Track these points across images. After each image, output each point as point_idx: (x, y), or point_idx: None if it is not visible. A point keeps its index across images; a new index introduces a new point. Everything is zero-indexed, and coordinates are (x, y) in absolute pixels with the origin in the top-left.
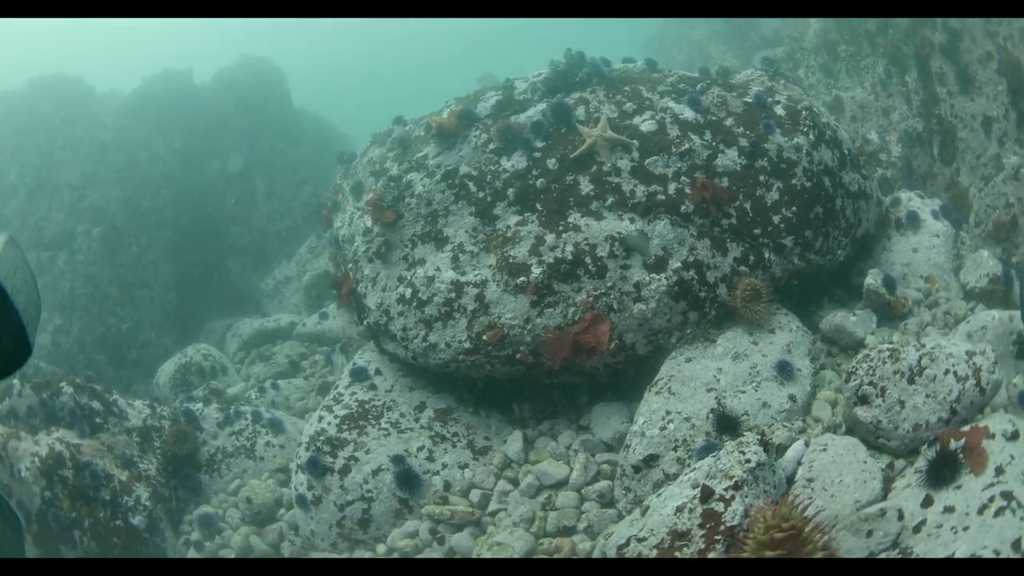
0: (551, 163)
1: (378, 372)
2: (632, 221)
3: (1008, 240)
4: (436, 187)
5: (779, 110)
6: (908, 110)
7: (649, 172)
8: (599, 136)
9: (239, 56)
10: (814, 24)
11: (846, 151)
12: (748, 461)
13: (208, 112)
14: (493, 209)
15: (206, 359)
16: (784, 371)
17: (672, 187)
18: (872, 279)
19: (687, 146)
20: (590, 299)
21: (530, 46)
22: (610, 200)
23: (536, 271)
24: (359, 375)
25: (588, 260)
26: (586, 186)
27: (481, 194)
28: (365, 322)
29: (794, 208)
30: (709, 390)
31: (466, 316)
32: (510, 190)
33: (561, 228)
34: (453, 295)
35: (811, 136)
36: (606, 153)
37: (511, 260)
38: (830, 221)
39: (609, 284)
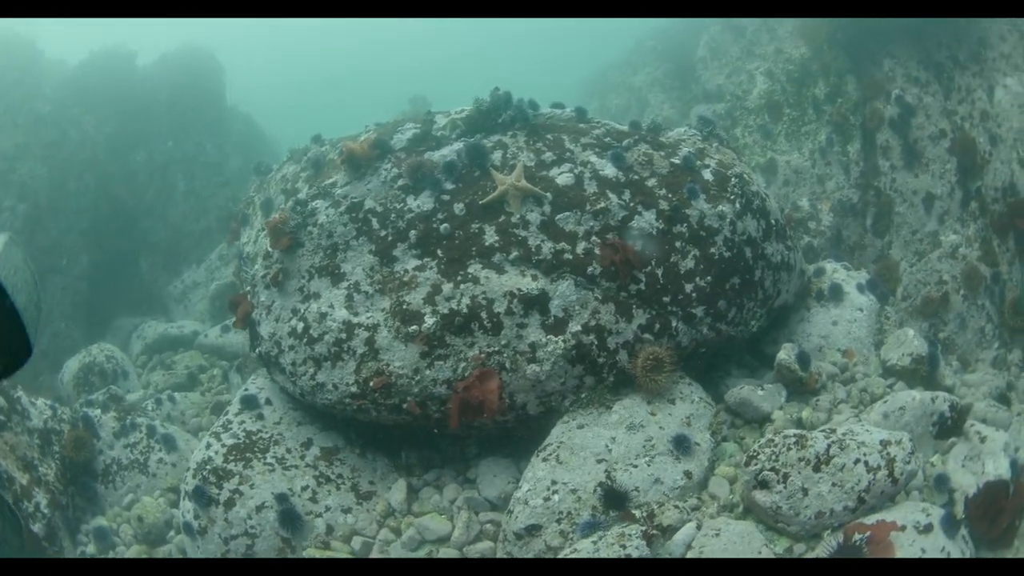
0: (458, 208)
1: (268, 402)
2: (535, 278)
3: (936, 316)
4: (339, 219)
5: (707, 174)
6: (845, 180)
7: (559, 228)
8: (511, 185)
9: (182, 44)
10: (760, 84)
11: (773, 221)
12: (628, 556)
13: (142, 98)
14: (393, 250)
15: (108, 360)
16: (681, 445)
17: (581, 246)
18: (785, 354)
19: (603, 204)
20: (482, 355)
21: (471, 73)
22: (514, 254)
23: (429, 321)
24: (249, 403)
25: (484, 315)
26: (491, 236)
27: (383, 232)
28: (257, 350)
29: (709, 277)
30: (599, 461)
31: (355, 359)
32: (412, 232)
33: (460, 278)
34: (344, 335)
35: (737, 205)
36: (516, 203)
37: (405, 306)
38: (746, 292)
39: (503, 342)
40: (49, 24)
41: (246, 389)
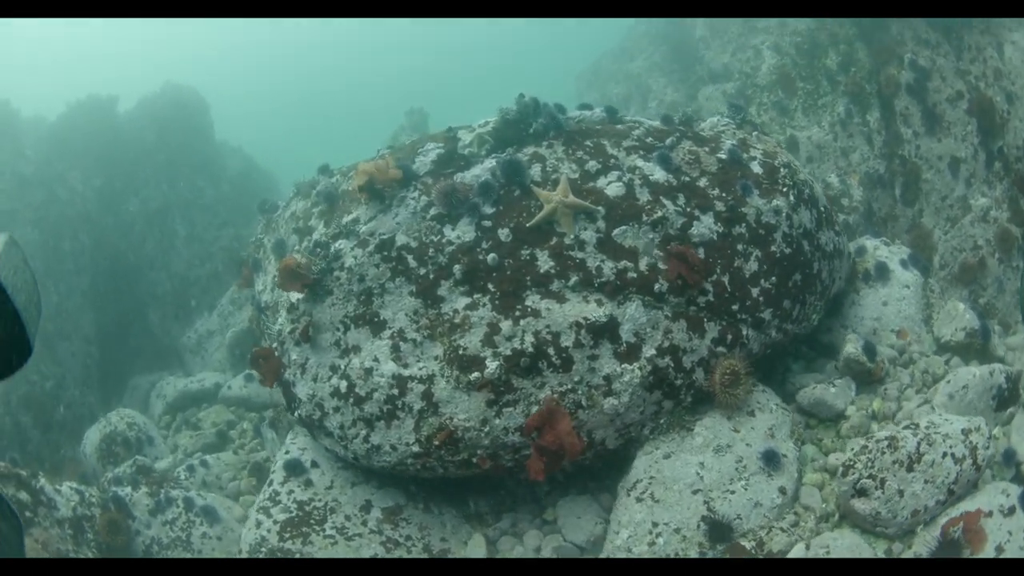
0: (503, 234)
1: (314, 464)
2: (600, 303)
3: (975, 282)
4: (369, 260)
5: (756, 167)
6: (869, 151)
7: (617, 245)
8: (560, 202)
9: (163, 83)
10: (768, 59)
11: (822, 208)
12: None
13: (129, 144)
14: (437, 288)
15: (131, 428)
16: (771, 461)
17: (644, 262)
18: (852, 347)
19: (660, 213)
20: (555, 396)
21: (463, 82)
22: (574, 279)
23: (491, 365)
24: (294, 469)
25: (551, 351)
26: (546, 262)
27: (422, 270)
28: (296, 413)
29: (773, 278)
30: (695, 492)
31: (412, 416)
32: (456, 266)
33: (518, 313)
34: (396, 391)
35: (791, 197)
36: (568, 222)
37: (461, 351)
38: (808, 287)
39: (576, 378)
40: (22, 79)
41: (287, 452)
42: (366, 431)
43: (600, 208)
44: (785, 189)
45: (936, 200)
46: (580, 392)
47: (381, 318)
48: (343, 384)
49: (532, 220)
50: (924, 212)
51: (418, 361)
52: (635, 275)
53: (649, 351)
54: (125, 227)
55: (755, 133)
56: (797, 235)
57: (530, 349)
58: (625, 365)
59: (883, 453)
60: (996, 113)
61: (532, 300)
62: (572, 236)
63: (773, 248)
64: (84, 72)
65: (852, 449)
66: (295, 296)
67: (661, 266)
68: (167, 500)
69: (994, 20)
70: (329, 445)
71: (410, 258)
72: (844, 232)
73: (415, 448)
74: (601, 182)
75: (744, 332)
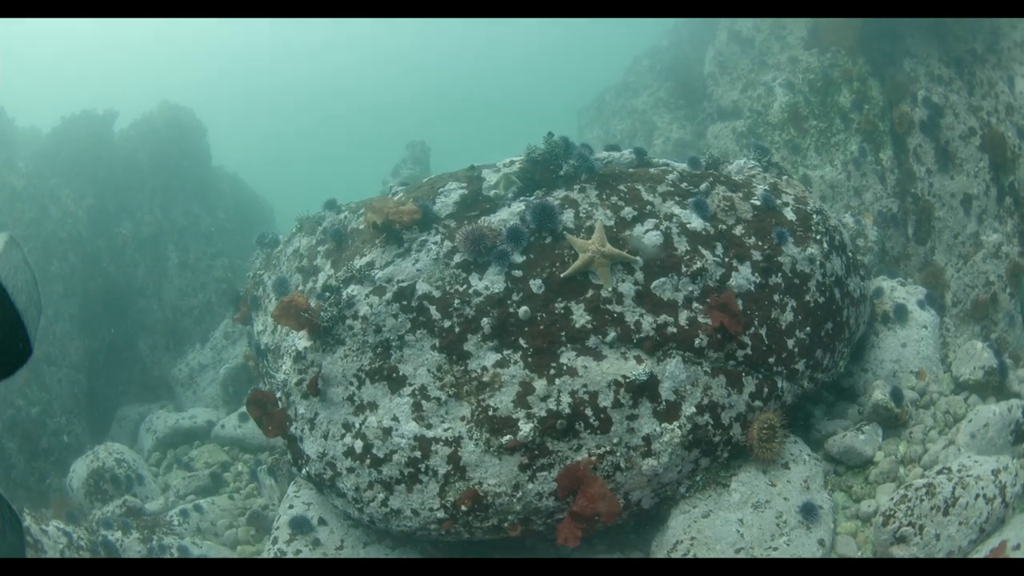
0: (535, 285)
1: (322, 522)
2: (639, 360)
3: (987, 318)
4: (387, 309)
5: (789, 214)
6: (882, 189)
7: (657, 298)
8: (596, 252)
9: (160, 103)
10: (780, 97)
11: (850, 254)
12: None
13: (123, 164)
14: (464, 343)
15: (120, 465)
16: (809, 514)
17: (684, 316)
18: (880, 394)
19: (699, 264)
20: (593, 459)
21: (463, 115)
22: (612, 334)
23: (525, 428)
24: (300, 527)
25: (589, 412)
26: (581, 316)
27: (447, 323)
28: (304, 471)
29: (808, 328)
30: (738, 550)
31: (437, 480)
32: (485, 320)
33: (553, 371)
34: (418, 453)
35: (824, 244)
36: (605, 273)
37: (492, 412)
38: (837, 335)
39: (615, 440)
40: (15, 86)
41: (291, 506)
42: (384, 495)
43: (638, 259)
44: (819, 237)
45: (948, 237)
46: (619, 454)
47: (400, 373)
48: (358, 444)
49: (566, 270)
50: (936, 250)
51: (443, 422)
52: (675, 330)
53: (689, 409)
54: (116, 251)
55: (784, 178)
56: (829, 283)
57: (567, 410)
58: (665, 424)
59: (921, 500)
60: (1007, 148)
61: (567, 357)
62: (610, 289)
63: (807, 298)
64: (81, 85)
65: (891, 498)
66: (302, 343)
67: (701, 320)
68: (160, 548)
69: (1005, 53)
70: (341, 506)
71: (432, 309)
72: (867, 277)
73: (440, 514)
74: (638, 230)
75: (779, 384)
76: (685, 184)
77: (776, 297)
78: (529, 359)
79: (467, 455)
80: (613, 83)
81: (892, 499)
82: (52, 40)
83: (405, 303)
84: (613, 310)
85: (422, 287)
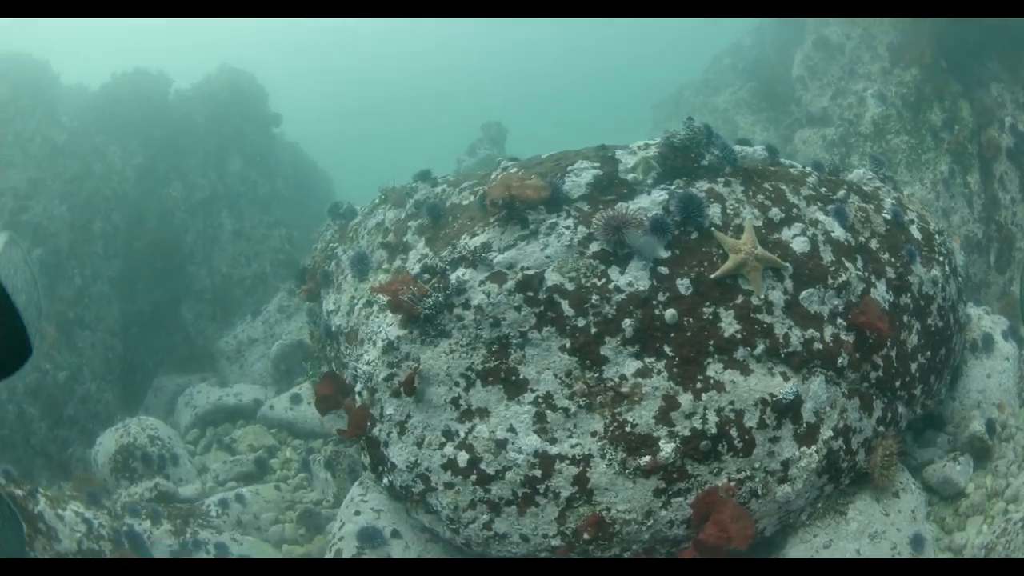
0: (683, 285)
1: (396, 535)
2: (785, 377)
3: None
4: (508, 300)
5: (915, 231)
6: (969, 213)
7: (804, 310)
8: (750, 254)
9: (219, 66)
10: (873, 108)
11: (961, 278)
12: None
13: (177, 125)
14: (600, 346)
15: (153, 443)
16: (918, 545)
17: (829, 332)
18: (978, 425)
19: (844, 277)
20: (733, 484)
21: (535, 102)
22: (760, 347)
23: (666, 448)
24: (370, 540)
25: (734, 432)
26: (730, 324)
27: (581, 321)
28: (386, 480)
29: (928, 352)
30: None
31: (557, 504)
32: (627, 321)
33: (699, 385)
34: (538, 472)
35: (946, 267)
36: (756, 278)
37: (629, 428)
38: (947, 362)
39: (756, 464)
40: (65, 46)
41: (356, 512)
42: (489, 516)
43: (788, 265)
44: (941, 259)
45: None
46: (757, 480)
47: (521, 376)
48: (462, 456)
49: (716, 271)
50: (1014, 280)
51: (570, 436)
52: (820, 346)
53: (826, 432)
54: (166, 213)
55: (907, 193)
56: (947, 307)
57: (712, 430)
58: (804, 448)
59: (1018, 534)
60: None
61: (714, 370)
62: (761, 296)
63: (930, 321)
64: (131, 47)
65: (993, 531)
66: (394, 331)
67: (844, 337)
68: (194, 544)
69: None
70: (428, 523)
71: (564, 303)
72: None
73: (555, 541)
74: (786, 234)
75: (899, 409)
76: (824, 189)
77: (905, 318)
78: (674, 369)
79: (597, 476)
80: (692, 79)
81: (993, 531)
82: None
83: (531, 294)
84: (763, 320)
85: (552, 277)
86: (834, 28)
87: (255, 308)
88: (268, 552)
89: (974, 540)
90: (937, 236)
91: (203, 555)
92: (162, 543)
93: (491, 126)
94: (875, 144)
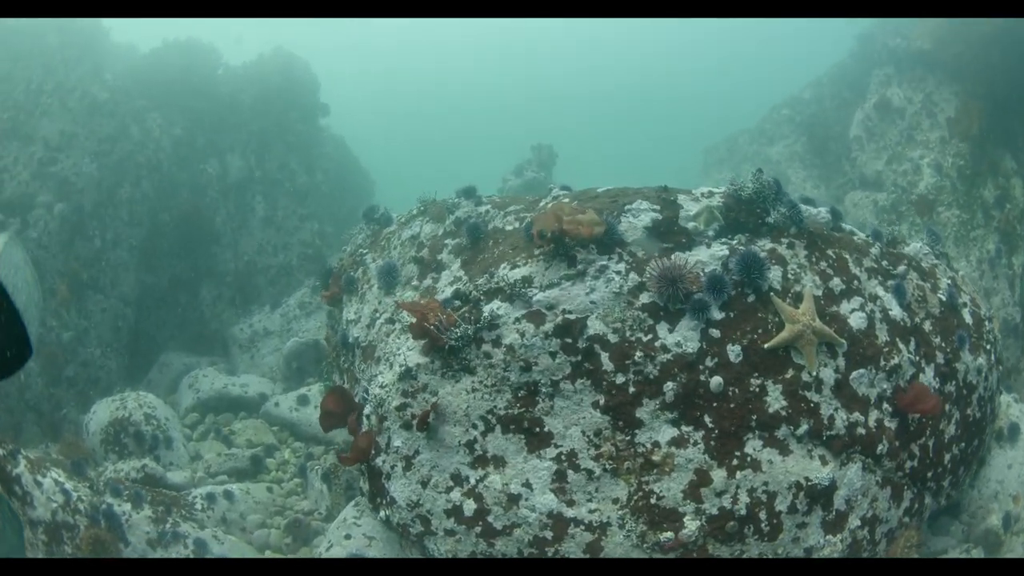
0: (733, 352)
1: None
2: (824, 462)
3: None
4: (543, 344)
5: (967, 316)
6: (1010, 296)
7: (852, 392)
8: (808, 326)
9: (273, 49)
10: (928, 178)
11: (1002, 367)
12: None
13: (222, 101)
14: (636, 408)
15: (148, 421)
16: None
17: (873, 417)
18: (996, 520)
19: (896, 360)
20: None
21: (583, 132)
22: (803, 427)
23: (691, 525)
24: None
25: (763, 515)
26: (776, 400)
27: (620, 378)
28: (382, 513)
29: (963, 444)
30: None
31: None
32: (670, 384)
33: (736, 462)
34: (549, 534)
35: (992, 356)
36: (811, 353)
37: (654, 500)
38: (977, 452)
39: (780, 549)
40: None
41: (348, 536)
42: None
43: (843, 342)
44: (988, 347)
45: None
46: None
47: (546, 429)
48: (469, 505)
49: (771, 341)
50: None
51: (589, 500)
52: (863, 431)
53: (854, 522)
54: (198, 189)
55: (961, 275)
56: (987, 398)
57: (742, 511)
58: (829, 537)
59: None
60: None
61: (753, 446)
62: (813, 372)
63: (969, 411)
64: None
65: None
66: (414, 358)
67: (887, 424)
68: (173, 535)
69: None
70: None
71: (605, 356)
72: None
73: None
74: (844, 308)
75: (926, 500)
76: (885, 262)
77: (947, 407)
78: (712, 442)
79: (612, 547)
80: (748, 127)
81: None
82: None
83: (569, 341)
84: (811, 399)
85: (595, 325)
86: (896, 91)
87: (275, 299)
88: (249, 555)
89: None
90: (987, 323)
91: (180, 548)
92: (139, 528)
93: (542, 149)
94: (926, 216)
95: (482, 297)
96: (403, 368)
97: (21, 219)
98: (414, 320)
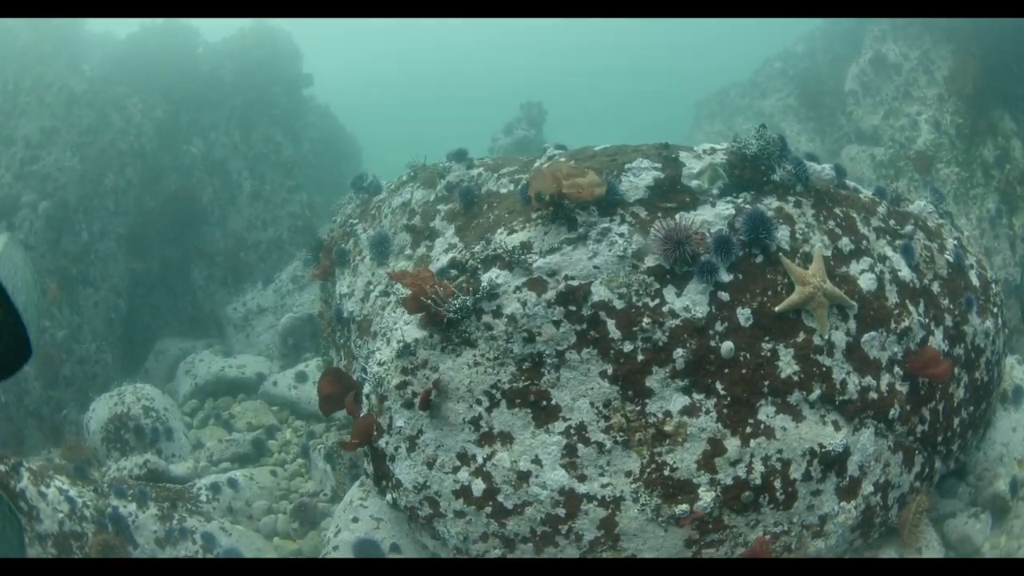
0: (743, 315)
1: (396, 549)
2: (837, 427)
3: None
4: (546, 313)
5: (974, 278)
6: (1011, 256)
7: (864, 355)
8: (819, 288)
9: (254, 22)
10: (925, 134)
11: (1008, 330)
12: None
13: (203, 80)
14: (646, 377)
15: (147, 414)
16: None
17: (885, 381)
18: (1003, 485)
19: (906, 323)
20: (767, 537)
21: (570, 88)
22: (816, 392)
23: (706, 497)
24: (366, 553)
25: (778, 483)
26: (788, 365)
27: (628, 346)
28: (389, 496)
29: (971, 407)
30: None
31: (579, 547)
32: (679, 351)
33: (749, 430)
34: (561, 511)
35: (999, 319)
36: (823, 316)
37: (667, 472)
38: (985, 415)
39: (794, 518)
40: None
41: (355, 519)
42: (502, 552)
43: (854, 304)
44: (996, 310)
45: None
46: (793, 534)
47: (553, 402)
48: (478, 484)
49: (781, 304)
50: None
51: (601, 475)
52: (875, 396)
53: (867, 487)
54: (183, 170)
55: (966, 235)
56: (994, 361)
57: (757, 480)
58: (843, 503)
59: None
60: None
61: (766, 413)
62: (825, 336)
63: (977, 375)
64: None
65: None
66: (412, 332)
67: (899, 387)
68: (181, 532)
69: None
70: (433, 548)
71: (611, 324)
72: None
73: None
74: (854, 268)
75: (936, 464)
76: (893, 222)
77: (956, 370)
78: (724, 410)
79: (626, 521)
80: (740, 80)
81: None
82: None
83: (573, 309)
84: (823, 363)
85: (600, 291)
86: (892, 47)
87: (268, 275)
88: (258, 544)
89: None
90: (994, 285)
91: (189, 544)
92: (147, 528)
93: (531, 106)
94: (925, 172)
95: (479, 265)
96: (401, 344)
97: (7, 222)
98: (409, 293)
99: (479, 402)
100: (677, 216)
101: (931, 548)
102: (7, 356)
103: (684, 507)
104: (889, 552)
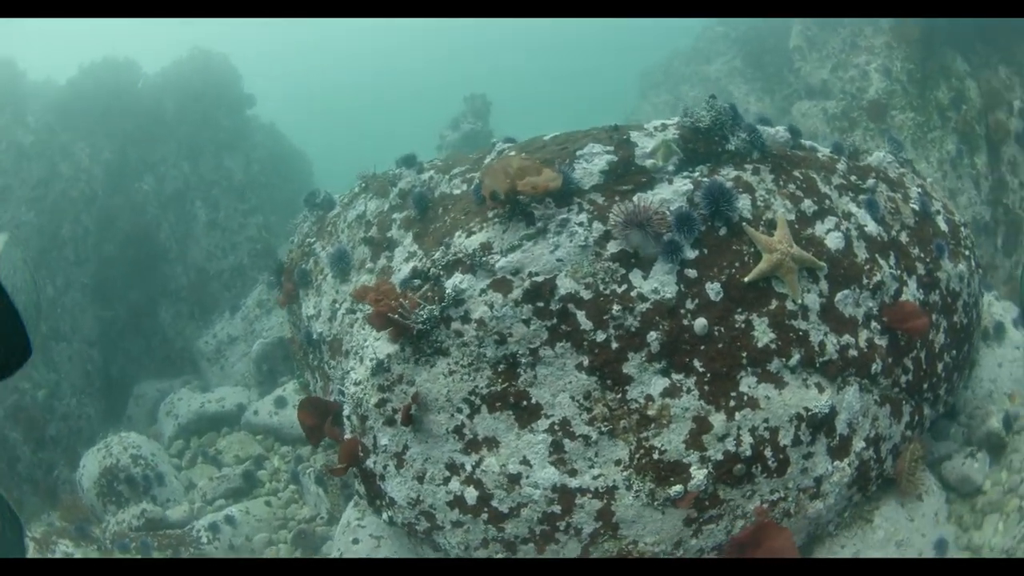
0: (712, 290)
1: None
2: (820, 388)
3: None
4: (514, 312)
5: (942, 223)
6: (976, 195)
7: (839, 314)
8: (786, 253)
9: (191, 48)
10: (877, 83)
11: (981, 271)
12: None
13: (146, 115)
14: (622, 364)
15: (136, 463)
16: (941, 549)
17: (863, 337)
18: (996, 422)
19: (878, 277)
20: (765, 506)
21: (511, 79)
22: (795, 357)
23: (698, 475)
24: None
25: (768, 452)
26: (764, 333)
27: (601, 335)
28: (385, 515)
29: (954, 351)
30: None
31: (579, 540)
32: (653, 333)
33: (732, 403)
34: (557, 508)
35: (972, 261)
36: (793, 280)
37: (657, 455)
38: (968, 357)
39: (789, 484)
40: (33, 40)
41: (355, 540)
42: (505, 555)
43: (824, 265)
44: (967, 253)
45: None
46: (790, 499)
47: (533, 401)
48: (471, 493)
49: (749, 274)
50: (1020, 264)
51: (591, 467)
52: (855, 353)
53: (859, 444)
54: (137, 209)
55: (929, 180)
56: (971, 303)
57: (747, 452)
58: (837, 462)
59: None
60: None
61: (747, 384)
62: (798, 300)
63: (955, 318)
64: (100, 34)
65: (1014, 536)
66: (383, 348)
67: (878, 341)
68: None
69: None
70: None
71: (581, 315)
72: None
73: None
74: (819, 229)
75: (925, 412)
76: (854, 177)
77: (934, 317)
78: (705, 387)
79: (623, 509)
80: (682, 48)
81: (1015, 537)
82: (75, 24)
83: (541, 305)
84: (799, 327)
85: (566, 284)
86: None
87: (234, 303)
88: None
89: (991, 539)
90: (963, 228)
91: None
92: None
93: (475, 98)
94: (880, 121)
95: (442, 272)
96: (374, 361)
97: None
98: (372, 311)
99: (460, 410)
100: (635, 198)
101: (931, 493)
102: (7, 356)
103: (678, 488)
104: (890, 502)
